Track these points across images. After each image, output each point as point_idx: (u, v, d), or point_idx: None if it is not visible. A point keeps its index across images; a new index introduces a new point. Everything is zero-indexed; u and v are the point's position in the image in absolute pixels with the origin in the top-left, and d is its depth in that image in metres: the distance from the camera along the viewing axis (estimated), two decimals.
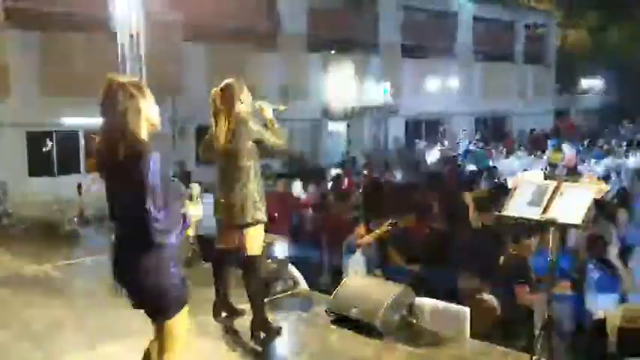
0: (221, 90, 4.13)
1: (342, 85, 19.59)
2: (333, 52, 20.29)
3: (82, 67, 12.84)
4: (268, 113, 4.31)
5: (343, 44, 20.43)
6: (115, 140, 2.56)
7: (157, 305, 2.70)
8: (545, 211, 3.02)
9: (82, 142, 14.17)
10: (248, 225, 4.12)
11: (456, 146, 20.20)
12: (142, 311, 2.76)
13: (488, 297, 4.80)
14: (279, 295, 5.25)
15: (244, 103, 4.11)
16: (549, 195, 3.04)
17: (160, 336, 2.76)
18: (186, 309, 2.78)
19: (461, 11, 25.24)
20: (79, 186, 11.82)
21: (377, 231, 5.97)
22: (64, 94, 12.79)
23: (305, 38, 19.14)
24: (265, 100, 4.45)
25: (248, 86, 4.25)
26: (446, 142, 20.99)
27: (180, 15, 15.39)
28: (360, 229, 6.26)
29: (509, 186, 3.32)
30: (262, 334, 4.24)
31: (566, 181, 3.18)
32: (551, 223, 2.96)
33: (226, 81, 4.16)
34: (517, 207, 3.12)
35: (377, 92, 21.07)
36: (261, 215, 4.15)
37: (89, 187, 11.83)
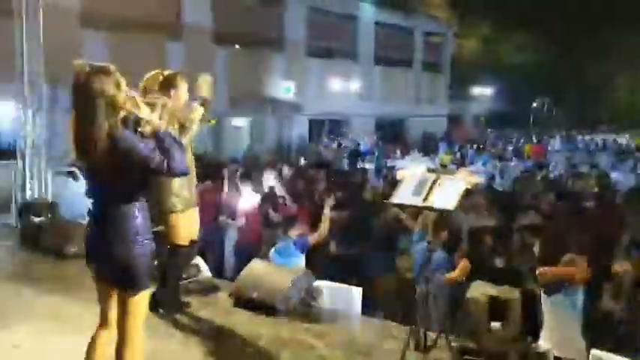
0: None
1: (247, 81, 19.73)
2: (237, 46, 20.36)
3: None
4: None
5: (249, 39, 20.56)
6: None
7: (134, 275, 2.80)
8: (425, 199, 3.48)
9: None
10: (170, 213, 4.30)
11: (357, 146, 20.98)
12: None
13: None
14: (182, 282, 5.41)
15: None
16: (429, 185, 3.51)
17: (127, 309, 2.84)
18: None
19: (363, 15, 26.12)
20: None
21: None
22: None
23: (210, 31, 19.09)
24: None
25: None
26: (348, 142, 21.77)
27: (77, 1, 14.97)
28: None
29: (398, 178, 3.75)
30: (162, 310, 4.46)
31: (444, 173, 3.66)
32: (430, 208, 3.43)
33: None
34: (403, 195, 3.56)
35: (281, 90, 21.44)
36: (180, 205, 4.31)
37: None
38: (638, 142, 28.74)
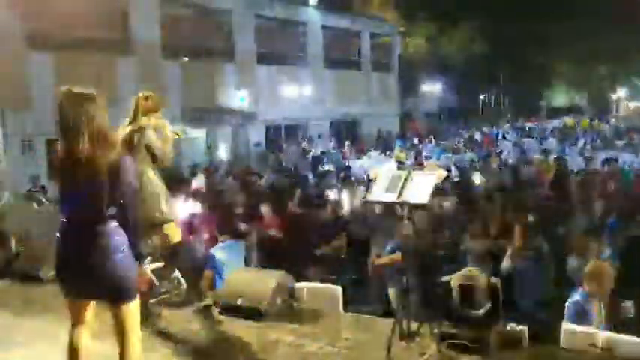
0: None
1: (200, 93, 19.72)
2: (186, 59, 20.32)
3: None
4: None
5: (198, 51, 20.53)
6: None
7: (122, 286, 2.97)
8: (399, 195, 3.70)
9: None
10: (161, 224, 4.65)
11: (315, 149, 21.20)
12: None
13: None
14: (163, 296, 5.49)
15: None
16: (402, 181, 3.73)
17: (122, 321, 3.01)
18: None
19: (310, 20, 26.37)
20: None
21: None
22: None
23: (159, 45, 18.98)
24: None
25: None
26: (305, 146, 21.95)
27: (23, 24, 14.71)
28: None
29: (371, 177, 3.97)
30: None
31: (413, 170, 3.89)
32: (405, 204, 3.66)
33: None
34: (378, 193, 3.78)
35: (235, 99, 21.48)
36: (165, 217, 4.72)
37: None
38: (568, 124, 30.31)
